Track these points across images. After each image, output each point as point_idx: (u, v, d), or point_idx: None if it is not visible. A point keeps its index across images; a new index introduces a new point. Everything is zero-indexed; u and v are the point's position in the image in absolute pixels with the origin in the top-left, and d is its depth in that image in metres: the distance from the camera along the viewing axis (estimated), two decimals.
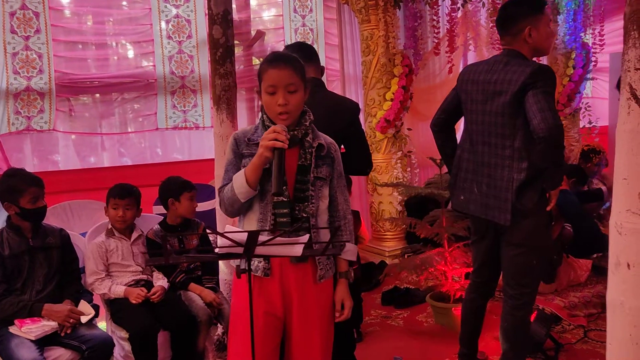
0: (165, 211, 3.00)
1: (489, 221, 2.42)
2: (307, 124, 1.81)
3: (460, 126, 2.77)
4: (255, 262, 1.79)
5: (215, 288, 2.91)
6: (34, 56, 4.19)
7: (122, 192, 2.82)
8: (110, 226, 2.84)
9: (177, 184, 2.91)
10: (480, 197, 2.44)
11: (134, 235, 2.86)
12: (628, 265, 1.54)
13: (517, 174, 2.28)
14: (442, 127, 2.61)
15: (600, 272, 3.84)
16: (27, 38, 4.17)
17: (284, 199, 1.76)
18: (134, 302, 2.62)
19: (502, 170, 2.33)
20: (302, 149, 1.80)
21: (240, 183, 1.71)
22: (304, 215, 1.78)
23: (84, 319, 2.46)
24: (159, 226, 2.93)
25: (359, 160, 2.48)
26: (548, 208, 2.36)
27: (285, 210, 1.76)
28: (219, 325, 2.89)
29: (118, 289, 2.69)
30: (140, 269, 2.82)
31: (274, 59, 1.76)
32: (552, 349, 2.97)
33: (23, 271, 2.48)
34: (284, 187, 1.75)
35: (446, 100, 2.61)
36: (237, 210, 1.78)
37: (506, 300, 2.48)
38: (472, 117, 2.46)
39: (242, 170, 1.73)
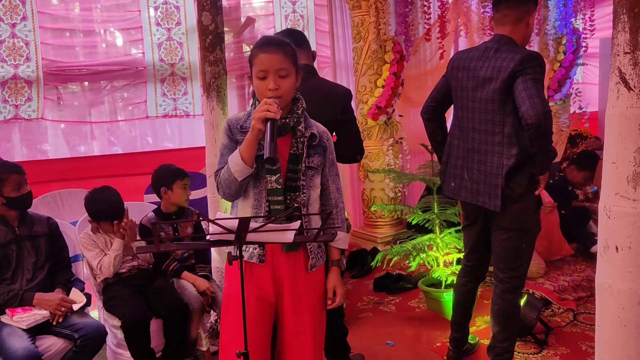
0: (157, 199, 2.99)
1: (480, 207, 2.44)
2: (300, 111, 1.81)
3: (450, 114, 2.78)
4: (250, 249, 1.79)
5: (208, 276, 2.92)
6: (20, 44, 4.13)
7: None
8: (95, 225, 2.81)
9: (170, 173, 2.90)
10: (470, 183, 2.45)
11: None
12: (616, 248, 1.55)
13: (506, 160, 2.30)
14: (432, 115, 2.61)
15: (589, 256, 3.89)
16: (13, 25, 4.11)
17: (278, 187, 1.76)
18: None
19: (492, 156, 2.35)
20: (294, 138, 1.79)
21: (235, 161, 1.70)
22: (295, 205, 1.78)
23: (75, 307, 2.46)
24: (153, 214, 2.92)
25: (350, 147, 2.48)
26: (536, 192, 2.38)
27: (279, 198, 1.76)
28: (212, 312, 2.90)
29: (115, 244, 2.68)
30: (130, 257, 2.81)
31: (265, 44, 1.75)
32: (542, 332, 3.01)
33: (11, 261, 2.46)
34: (277, 166, 1.74)
35: (436, 88, 2.61)
36: (234, 192, 1.77)
37: (496, 284, 2.51)
38: (463, 104, 2.47)
39: (237, 149, 1.72)
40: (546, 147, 2.26)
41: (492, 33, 2.47)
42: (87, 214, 2.84)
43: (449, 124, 2.66)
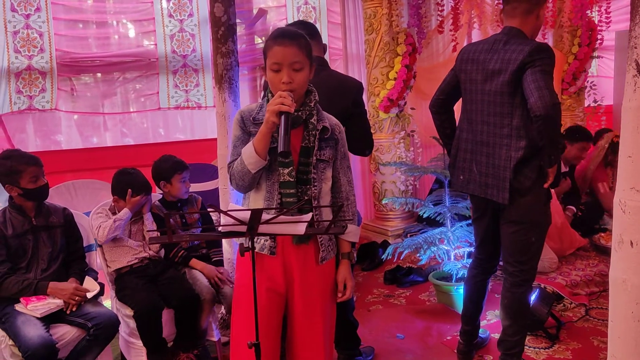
0: None
1: (488, 200, 2.43)
2: (312, 104, 1.80)
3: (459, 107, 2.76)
4: (261, 241, 1.80)
5: (222, 261, 2.93)
6: (34, 35, 4.16)
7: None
8: (113, 204, 2.85)
9: (168, 167, 2.90)
10: (479, 176, 2.45)
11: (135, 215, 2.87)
12: (631, 243, 1.53)
13: (514, 153, 2.30)
14: (440, 107, 2.61)
15: (602, 251, 3.86)
16: (27, 16, 4.14)
17: (290, 179, 1.76)
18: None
19: (501, 149, 2.34)
20: (306, 131, 1.79)
21: (249, 154, 1.70)
22: (306, 198, 1.78)
23: (89, 295, 2.49)
24: (159, 202, 2.95)
25: (359, 140, 2.47)
26: (545, 185, 2.37)
27: (291, 191, 1.76)
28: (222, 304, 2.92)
29: (122, 212, 2.75)
30: (140, 248, 2.83)
31: (280, 36, 1.74)
32: (553, 327, 3.00)
33: (27, 250, 2.49)
34: (290, 159, 1.74)
35: (445, 80, 2.61)
36: (248, 184, 1.77)
37: (506, 278, 2.51)
38: (471, 97, 2.46)
39: (251, 142, 1.72)
40: (554, 139, 2.25)
41: (504, 23, 2.45)
42: (99, 204, 2.87)
43: (457, 117, 2.65)
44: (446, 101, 2.60)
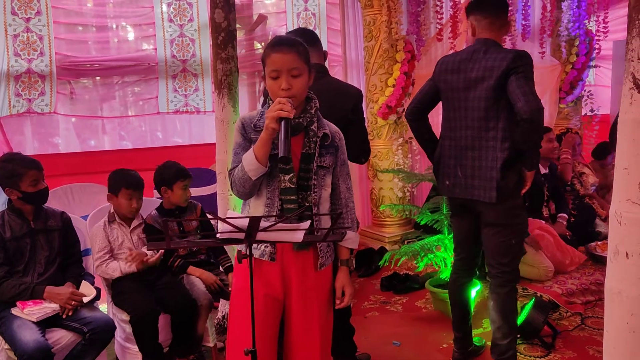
0: None
1: (468, 202, 2.52)
2: (313, 111, 1.81)
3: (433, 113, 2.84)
4: (262, 247, 1.81)
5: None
6: (34, 38, 4.17)
7: (136, 182, 2.81)
8: (112, 210, 2.84)
9: (171, 173, 2.89)
10: (464, 179, 2.54)
11: (134, 222, 2.86)
12: (627, 254, 1.54)
13: (500, 153, 2.40)
14: (417, 115, 2.70)
15: (597, 260, 3.87)
16: (27, 20, 4.14)
17: (291, 186, 1.76)
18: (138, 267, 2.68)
19: (487, 151, 2.44)
20: (307, 137, 1.80)
21: (249, 160, 1.71)
22: (306, 204, 1.79)
23: (85, 300, 2.49)
24: (156, 211, 2.93)
25: (355, 148, 2.47)
26: (523, 191, 2.49)
27: (292, 197, 1.77)
28: (219, 309, 2.91)
29: (129, 268, 2.71)
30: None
31: (277, 43, 1.76)
32: (549, 335, 3.00)
33: (25, 254, 2.49)
34: (290, 165, 1.75)
35: (422, 90, 2.70)
36: (248, 190, 1.78)
37: (491, 281, 2.59)
38: (453, 105, 2.55)
39: (251, 148, 1.73)
40: (537, 141, 2.42)
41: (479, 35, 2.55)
42: (97, 208, 2.87)
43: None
44: (423, 109, 2.70)
